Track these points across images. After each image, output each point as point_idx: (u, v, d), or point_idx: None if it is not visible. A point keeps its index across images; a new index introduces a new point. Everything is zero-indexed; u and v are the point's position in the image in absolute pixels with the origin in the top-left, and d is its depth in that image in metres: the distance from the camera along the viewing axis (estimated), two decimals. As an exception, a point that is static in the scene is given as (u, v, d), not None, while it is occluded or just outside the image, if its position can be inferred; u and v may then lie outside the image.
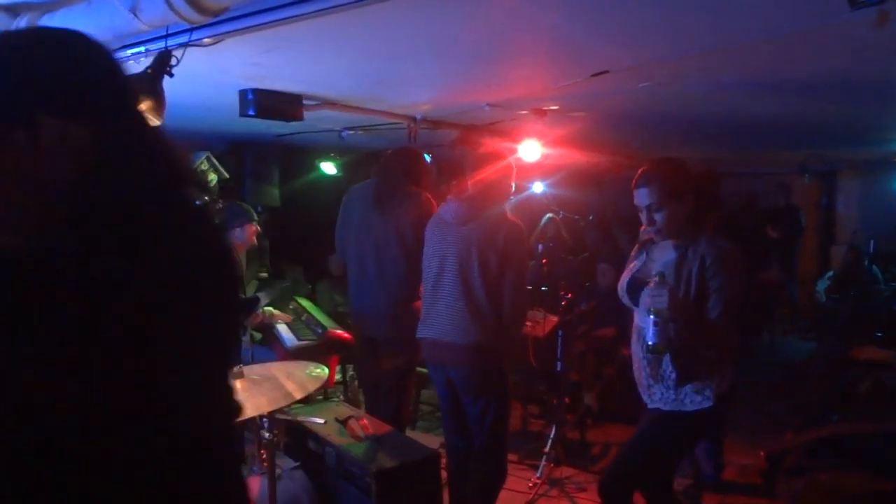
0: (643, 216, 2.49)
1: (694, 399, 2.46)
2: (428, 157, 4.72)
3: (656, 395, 2.55)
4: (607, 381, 4.99)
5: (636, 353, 2.61)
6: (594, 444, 4.56)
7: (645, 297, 2.30)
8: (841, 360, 4.47)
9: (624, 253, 6.17)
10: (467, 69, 3.32)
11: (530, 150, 4.36)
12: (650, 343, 2.25)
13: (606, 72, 3.24)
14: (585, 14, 2.43)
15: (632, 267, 2.65)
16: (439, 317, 3.09)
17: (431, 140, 5.00)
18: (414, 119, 4.52)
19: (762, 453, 3.96)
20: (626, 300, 2.63)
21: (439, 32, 2.64)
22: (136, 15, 1.89)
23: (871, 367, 4.15)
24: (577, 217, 6.82)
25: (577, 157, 6.75)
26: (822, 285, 8.01)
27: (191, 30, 2.06)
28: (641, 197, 2.47)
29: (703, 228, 2.48)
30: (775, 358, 7.05)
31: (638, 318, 2.58)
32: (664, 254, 2.52)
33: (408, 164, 3.69)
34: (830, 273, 8.12)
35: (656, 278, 2.23)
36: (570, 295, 4.08)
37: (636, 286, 2.47)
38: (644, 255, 2.65)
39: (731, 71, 3.34)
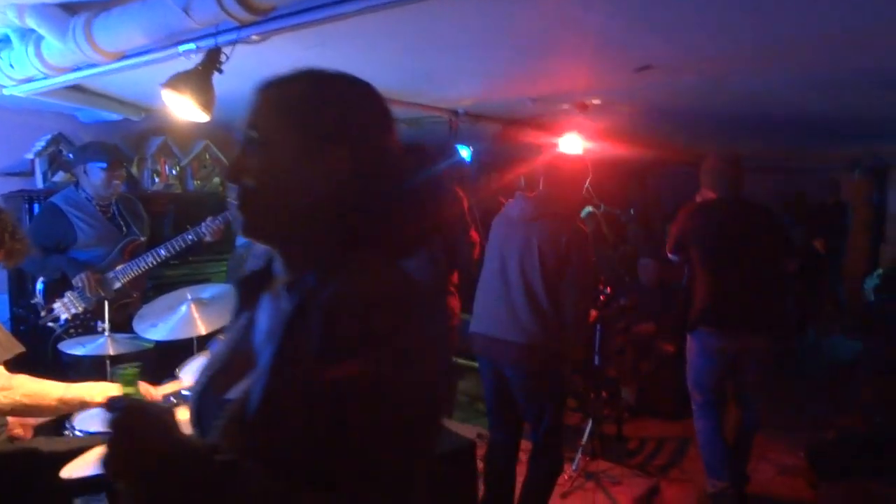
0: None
1: None
2: (468, 150, 4.76)
3: None
4: (645, 377, 4.97)
5: None
6: (631, 439, 4.55)
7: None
8: (887, 360, 4.37)
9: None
10: (511, 64, 3.33)
11: (571, 143, 4.35)
12: None
13: (650, 67, 3.22)
14: (630, 9, 2.43)
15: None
16: (498, 314, 3.08)
17: (472, 134, 5.01)
18: (456, 113, 4.54)
19: (803, 453, 3.91)
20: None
21: (485, 28, 2.66)
22: (188, 14, 1.96)
23: (918, 369, 4.06)
24: (617, 211, 6.79)
25: (618, 151, 6.69)
26: (870, 284, 7.80)
27: (239, 28, 2.12)
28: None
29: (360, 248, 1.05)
30: (820, 357, 6.92)
31: None
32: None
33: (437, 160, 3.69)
34: (879, 271, 7.91)
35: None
36: (609, 289, 4.06)
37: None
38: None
39: (781, 67, 3.28)
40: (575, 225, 3.06)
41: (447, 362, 1.01)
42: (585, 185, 3.23)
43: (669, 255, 3.77)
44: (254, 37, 2.19)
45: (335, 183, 0.97)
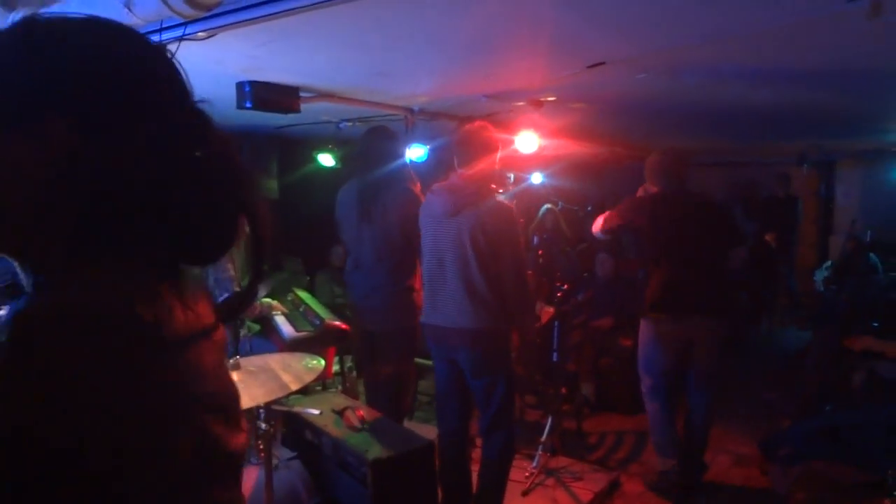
0: None
1: None
2: (425, 149, 4.73)
3: None
4: (604, 372, 5.02)
5: None
6: (590, 434, 4.59)
7: None
8: (837, 350, 4.49)
9: (623, 243, 6.21)
10: (464, 61, 3.32)
11: (527, 141, 4.37)
12: None
13: (603, 63, 3.25)
14: (581, 5, 2.44)
15: None
16: (443, 305, 3.13)
17: (429, 132, 5.00)
18: (411, 111, 4.52)
19: (756, 443, 3.99)
20: None
21: (437, 24, 2.65)
22: (129, 9, 1.90)
23: (866, 357, 4.18)
24: (575, 208, 6.86)
25: (575, 148, 6.75)
26: (820, 275, 8.00)
27: (185, 24, 2.06)
28: None
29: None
30: (773, 348, 7.09)
31: None
32: None
33: (385, 151, 3.61)
34: (829, 263, 8.12)
35: None
36: (566, 286, 4.09)
37: None
38: None
39: (728, 61, 3.34)
40: (497, 206, 3.08)
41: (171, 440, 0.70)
42: (497, 157, 3.23)
43: (596, 232, 3.85)
44: (200, 33, 2.14)
45: (53, 167, 0.71)
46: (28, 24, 0.76)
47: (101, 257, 0.74)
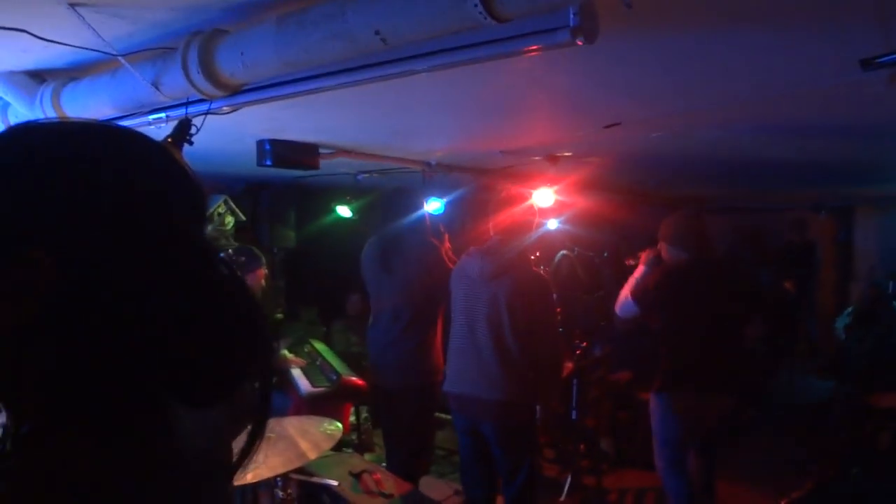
0: None
1: None
2: (441, 202, 4.76)
3: None
4: (624, 426, 4.95)
5: None
6: (611, 491, 4.50)
7: None
8: (861, 406, 4.40)
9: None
10: (482, 123, 3.36)
11: (544, 196, 4.40)
12: None
13: (618, 124, 3.27)
14: (597, 74, 2.46)
15: None
16: (470, 372, 3.09)
17: (446, 183, 5.04)
18: (428, 164, 4.57)
19: (782, 503, 3.89)
20: None
21: (457, 93, 2.69)
22: (157, 88, 1.95)
23: (891, 415, 4.08)
24: (591, 254, 6.83)
25: (590, 199, 6.77)
26: (841, 322, 7.89)
27: (210, 100, 2.11)
28: None
29: None
30: (794, 399, 6.96)
31: None
32: None
33: (404, 208, 3.68)
34: (850, 309, 8.01)
35: None
36: (584, 343, 4.06)
37: None
38: None
39: (743, 121, 3.36)
40: (535, 275, 3.10)
41: None
42: (534, 225, 3.23)
43: (631, 299, 3.62)
44: (225, 108, 2.19)
45: (30, 310, 0.61)
46: (14, 137, 0.67)
47: (81, 412, 0.64)
